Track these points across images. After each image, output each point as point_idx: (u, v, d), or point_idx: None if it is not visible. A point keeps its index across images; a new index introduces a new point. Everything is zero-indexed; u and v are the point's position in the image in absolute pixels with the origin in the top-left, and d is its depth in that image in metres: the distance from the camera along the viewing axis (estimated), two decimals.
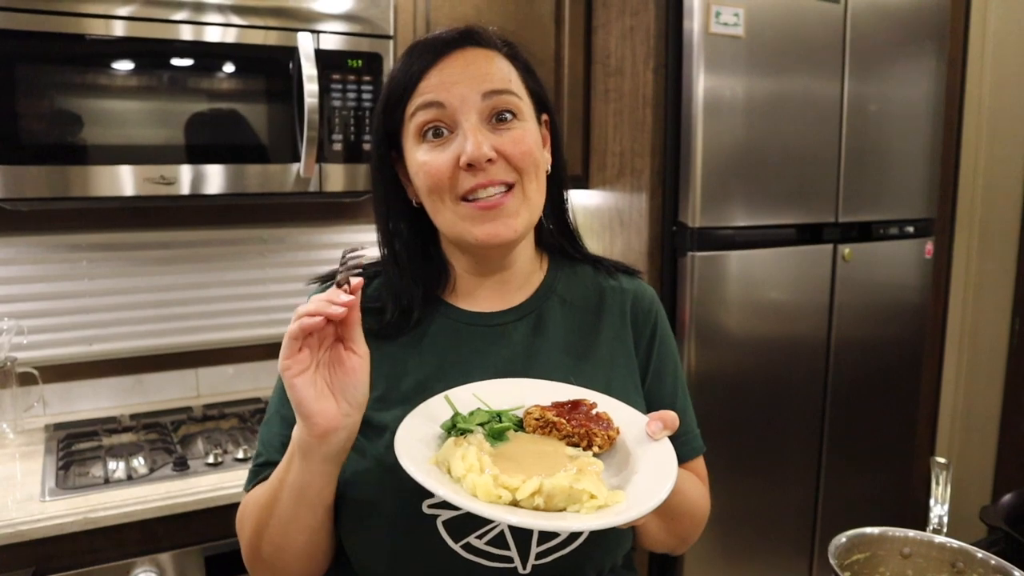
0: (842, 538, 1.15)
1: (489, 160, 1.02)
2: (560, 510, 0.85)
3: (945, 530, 1.20)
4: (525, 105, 1.09)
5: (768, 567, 2.56)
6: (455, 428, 0.96)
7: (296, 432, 0.95)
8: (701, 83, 2.17)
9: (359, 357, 0.94)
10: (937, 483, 1.29)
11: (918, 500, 3.04)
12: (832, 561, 1.11)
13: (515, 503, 0.85)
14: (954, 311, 3.05)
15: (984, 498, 3.07)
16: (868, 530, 1.17)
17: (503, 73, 1.07)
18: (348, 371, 0.93)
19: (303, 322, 0.89)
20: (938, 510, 1.26)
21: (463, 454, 0.89)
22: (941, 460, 1.30)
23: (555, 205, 1.20)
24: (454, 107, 1.03)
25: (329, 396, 0.93)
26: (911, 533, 1.16)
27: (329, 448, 0.94)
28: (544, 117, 1.15)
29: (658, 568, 2.44)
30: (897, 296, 2.65)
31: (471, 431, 0.95)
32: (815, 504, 2.59)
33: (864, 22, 2.40)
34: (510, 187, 1.05)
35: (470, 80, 1.04)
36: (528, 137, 1.06)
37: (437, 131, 1.05)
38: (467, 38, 1.07)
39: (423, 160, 1.05)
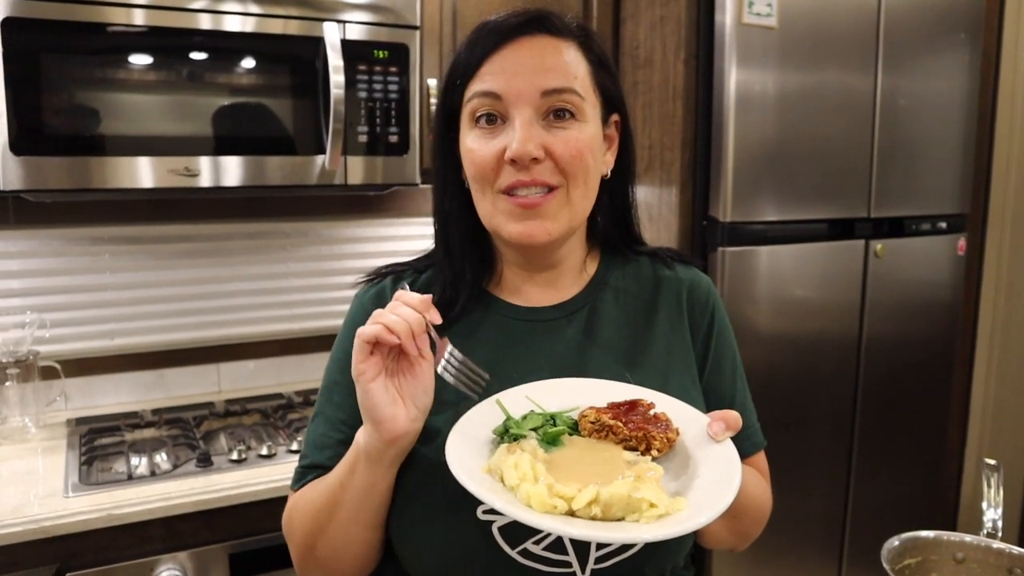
0: (895, 541, 1.12)
1: (535, 159, 0.99)
2: (618, 519, 0.82)
3: (1000, 534, 1.16)
4: (589, 104, 1.04)
5: (796, 569, 2.52)
6: (507, 433, 0.93)
7: (363, 438, 0.96)
8: (733, 75, 2.13)
9: (427, 361, 0.94)
10: (988, 486, 1.24)
11: (948, 501, 3.00)
12: (885, 565, 1.07)
13: (571, 513, 0.82)
14: (986, 308, 2.99)
15: (1016, 498, 3.01)
16: (922, 534, 1.13)
17: (569, 68, 1.02)
18: (417, 376, 0.94)
19: (381, 334, 0.89)
20: (991, 514, 1.21)
21: (516, 462, 0.86)
22: (991, 462, 1.26)
23: (620, 207, 1.17)
24: (510, 99, 1.00)
25: (399, 402, 0.93)
26: (967, 538, 1.12)
27: (396, 452, 0.96)
28: (614, 118, 1.11)
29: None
30: (929, 293, 2.61)
31: (524, 436, 0.92)
32: (844, 504, 2.55)
33: (898, 13, 2.35)
34: (552, 189, 1.02)
35: (531, 73, 1.00)
36: (582, 140, 1.02)
37: (490, 118, 1.02)
38: (537, 24, 1.02)
39: (471, 147, 1.03)
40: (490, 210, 1.04)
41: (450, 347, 0.96)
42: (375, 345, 0.90)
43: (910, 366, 2.60)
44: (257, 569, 1.79)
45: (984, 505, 1.23)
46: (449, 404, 1.01)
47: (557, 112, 1.01)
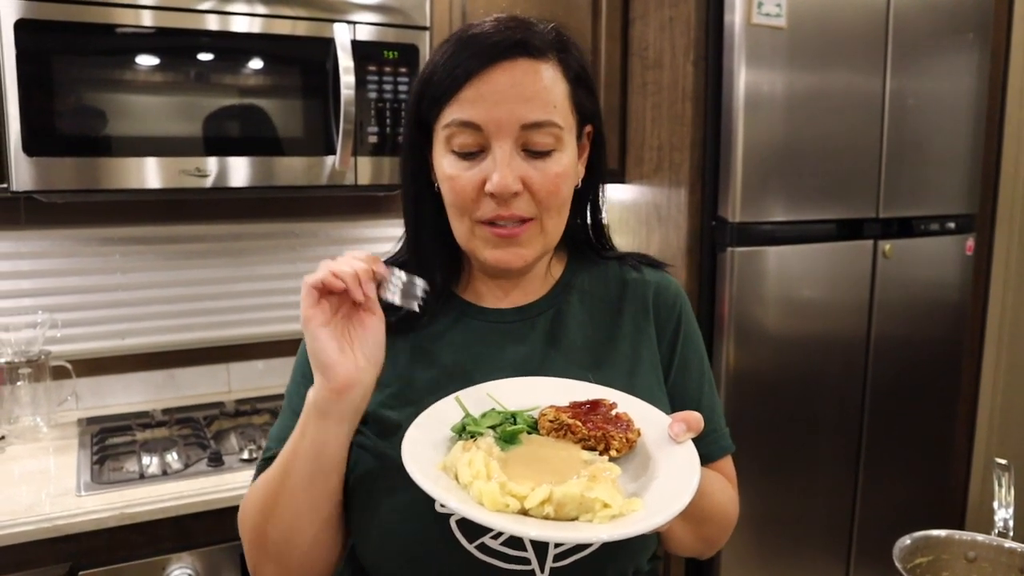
0: (906, 540, 1.12)
1: (515, 193, 0.99)
2: (572, 519, 0.81)
3: (1012, 533, 1.16)
4: (567, 131, 1.03)
5: (804, 569, 2.52)
6: (464, 431, 0.93)
7: (313, 392, 0.95)
8: (742, 76, 2.13)
9: (376, 317, 0.95)
10: (999, 485, 1.24)
11: (956, 501, 2.99)
12: (897, 564, 1.07)
13: (524, 511, 0.81)
14: (994, 308, 2.99)
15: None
16: (933, 533, 1.13)
17: (550, 96, 1.01)
18: (367, 328, 0.95)
19: (327, 279, 0.91)
20: (1002, 513, 1.22)
21: (470, 459, 0.85)
22: (1002, 461, 1.26)
23: (591, 210, 1.17)
24: (490, 130, 0.99)
25: (349, 350, 0.94)
26: (979, 537, 1.13)
27: (346, 405, 0.95)
28: (587, 129, 1.11)
29: (695, 569, 2.41)
30: (938, 293, 2.60)
31: (481, 434, 0.91)
32: (852, 505, 2.55)
33: (907, 13, 2.35)
34: (528, 220, 1.02)
35: (512, 103, 0.99)
36: (560, 174, 1.02)
37: (468, 151, 1.01)
38: (518, 48, 1.01)
39: (449, 174, 1.02)
40: (467, 235, 1.05)
41: (395, 270, 0.97)
42: (323, 293, 0.92)
43: (918, 366, 2.60)
44: None
45: (995, 504, 1.23)
46: (412, 402, 1.00)
47: (538, 148, 1.01)
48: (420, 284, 0.97)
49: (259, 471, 1.09)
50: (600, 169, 1.15)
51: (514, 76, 1.00)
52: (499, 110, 0.99)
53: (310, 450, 0.96)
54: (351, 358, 0.93)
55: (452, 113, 1.01)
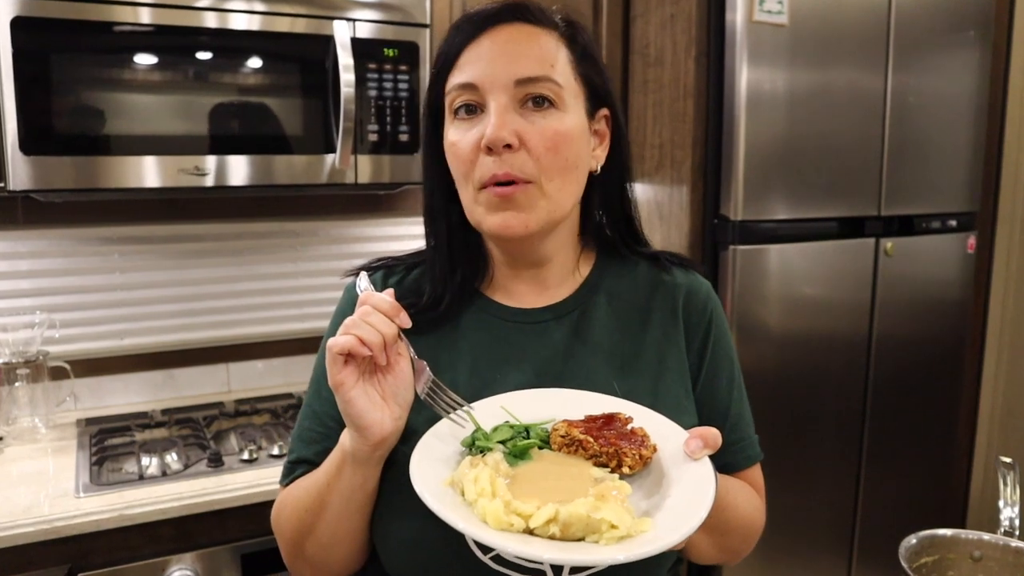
0: (912, 539, 1.11)
1: (508, 146, 0.96)
2: (579, 539, 0.79)
3: (1018, 532, 1.15)
4: (569, 93, 1.01)
5: (806, 567, 2.51)
6: (474, 445, 0.91)
7: (348, 442, 0.95)
8: (744, 73, 2.12)
9: (402, 356, 0.94)
10: (1005, 484, 1.23)
11: (958, 499, 2.99)
12: (903, 563, 1.07)
13: (529, 531, 0.79)
14: (995, 306, 2.98)
15: None
16: (939, 532, 1.13)
17: (547, 55, 1.00)
18: (396, 374, 0.94)
19: (354, 347, 0.88)
20: (1008, 512, 1.21)
21: (476, 476, 0.83)
22: (1007, 460, 1.25)
23: (618, 205, 1.14)
24: (485, 87, 0.98)
25: (382, 404, 0.93)
26: (985, 536, 1.12)
27: (382, 453, 0.96)
28: (603, 112, 1.08)
29: (697, 566, 2.40)
30: (939, 291, 2.60)
31: (490, 449, 0.89)
32: (854, 503, 2.54)
33: (908, 10, 2.34)
34: (527, 183, 0.99)
35: (506, 60, 0.98)
36: (559, 131, 0.99)
37: (469, 108, 1.01)
38: (514, 12, 1.02)
39: (452, 140, 1.02)
40: (470, 203, 1.02)
41: (428, 372, 0.95)
42: (348, 355, 0.89)
43: (920, 364, 2.59)
44: (269, 569, 1.79)
45: (1001, 503, 1.22)
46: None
47: (535, 100, 0.99)
48: (461, 402, 0.96)
49: (287, 472, 1.10)
50: (623, 158, 1.12)
51: (509, 36, 1.01)
52: (492, 67, 0.99)
53: (347, 489, 0.98)
54: (386, 413, 0.93)
55: (453, 79, 1.02)
